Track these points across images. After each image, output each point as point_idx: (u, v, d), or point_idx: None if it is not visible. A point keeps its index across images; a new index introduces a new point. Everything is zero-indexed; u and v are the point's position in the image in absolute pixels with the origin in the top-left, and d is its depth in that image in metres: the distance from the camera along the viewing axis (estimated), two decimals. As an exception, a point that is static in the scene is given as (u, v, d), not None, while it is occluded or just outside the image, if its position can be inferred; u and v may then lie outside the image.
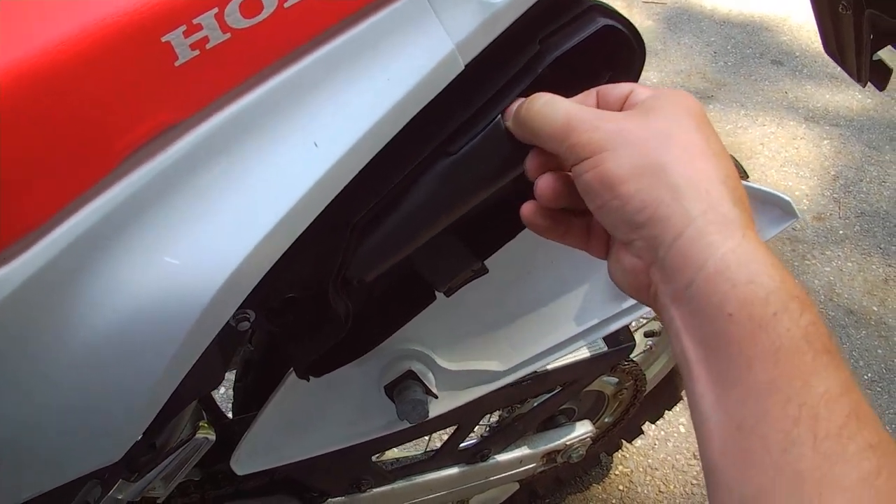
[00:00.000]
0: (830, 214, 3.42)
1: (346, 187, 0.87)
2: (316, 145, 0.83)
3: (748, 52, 4.56)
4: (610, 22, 0.94)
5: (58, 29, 0.71)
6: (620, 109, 0.85)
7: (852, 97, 4.16)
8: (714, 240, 0.72)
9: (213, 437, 1.17)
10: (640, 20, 4.70)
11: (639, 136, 0.77)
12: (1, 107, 0.69)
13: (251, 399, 1.57)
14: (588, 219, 0.91)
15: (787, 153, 3.76)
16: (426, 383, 1.30)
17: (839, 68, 1.27)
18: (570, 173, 0.82)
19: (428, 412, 1.30)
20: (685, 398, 2.22)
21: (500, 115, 0.92)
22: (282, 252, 0.87)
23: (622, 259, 0.81)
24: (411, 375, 1.29)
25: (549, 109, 0.82)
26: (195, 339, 0.88)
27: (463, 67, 0.88)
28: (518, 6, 0.88)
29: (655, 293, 0.78)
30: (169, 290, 0.83)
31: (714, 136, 0.79)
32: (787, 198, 1.30)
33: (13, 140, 0.71)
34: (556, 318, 1.41)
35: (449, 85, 0.88)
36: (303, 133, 0.83)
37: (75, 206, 0.77)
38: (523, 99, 0.86)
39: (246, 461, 1.29)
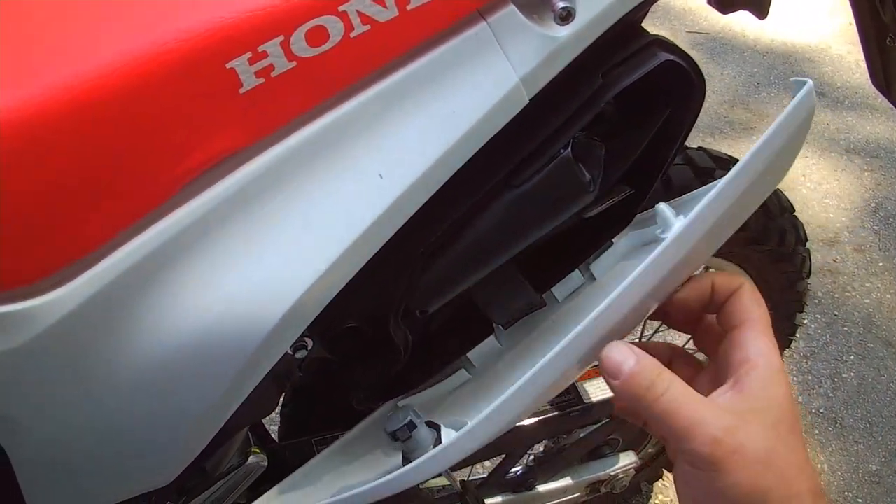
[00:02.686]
0: (870, 246, 3.39)
1: (410, 218, 0.87)
2: (381, 177, 0.83)
3: (790, 82, 4.54)
4: (671, 57, 0.94)
5: (120, 51, 0.71)
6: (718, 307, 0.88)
7: (893, 128, 4.13)
8: None
9: (265, 462, 1.16)
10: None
11: (753, 458, 0.78)
12: (61, 127, 0.70)
13: (298, 424, 1.56)
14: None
15: (829, 185, 3.73)
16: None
17: (880, 99, 1.28)
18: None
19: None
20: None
21: (564, 149, 0.91)
22: (345, 283, 0.87)
23: None
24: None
25: (666, 409, 0.81)
26: (254, 367, 0.88)
27: (527, 101, 0.87)
28: (582, 40, 0.88)
29: None
30: (231, 318, 0.83)
31: (798, 445, 0.82)
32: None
33: (73, 161, 0.72)
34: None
35: (513, 117, 0.88)
36: (368, 164, 0.83)
37: (136, 229, 0.77)
38: (630, 358, 0.81)
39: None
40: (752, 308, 0.86)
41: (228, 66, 0.73)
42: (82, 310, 0.77)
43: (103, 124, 0.71)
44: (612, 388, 0.83)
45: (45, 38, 0.76)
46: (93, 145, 0.72)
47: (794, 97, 0.86)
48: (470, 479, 1.86)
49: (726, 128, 4.09)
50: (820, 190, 3.70)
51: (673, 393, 0.80)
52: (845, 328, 3.03)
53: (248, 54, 0.73)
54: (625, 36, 0.93)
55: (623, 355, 0.81)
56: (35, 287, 0.76)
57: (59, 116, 0.69)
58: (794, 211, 1.71)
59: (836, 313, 3.08)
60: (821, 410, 2.73)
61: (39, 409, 0.84)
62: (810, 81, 0.86)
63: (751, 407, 0.81)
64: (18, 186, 0.70)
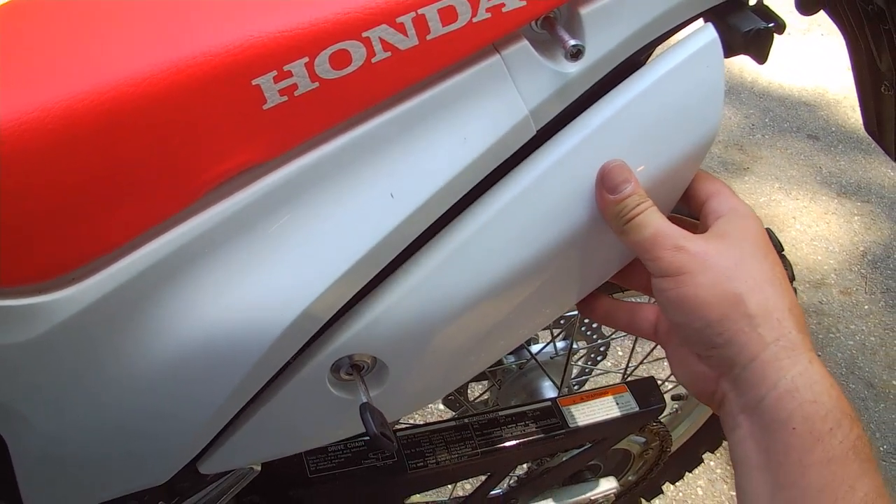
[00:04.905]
0: (857, 289, 3.42)
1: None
2: (392, 197, 0.86)
3: (785, 125, 4.55)
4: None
5: (152, 61, 0.74)
6: (699, 211, 0.96)
7: (884, 174, 4.16)
8: (785, 364, 0.83)
9: (258, 467, 1.17)
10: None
11: (717, 264, 0.86)
12: (88, 129, 0.72)
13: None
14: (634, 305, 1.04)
15: (819, 228, 3.76)
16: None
17: (873, 145, 1.30)
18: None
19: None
20: (706, 462, 2.23)
21: None
22: (350, 297, 0.90)
23: (690, 364, 0.92)
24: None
25: (640, 221, 0.88)
26: (257, 374, 0.91)
27: (535, 132, 0.91)
28: (590, 77, 0.92)
29: (722, 400, 0.89)
30: (237, 326, 0.86)
31: (777, 264, 0.89)
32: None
33: (97, 163, 0.74)
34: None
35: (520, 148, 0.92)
36: (380, 184, 0.86)
37: (154, 233, 0.80)
38: (630, 182, 0.90)
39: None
40: (718, 186, 0.97)
41: (254, 82, 0.76)
42: (96, 308, 0.79)
43: (130, 129, 0.74)
44: (600, 197, 0.91)
45: (82, 44, 0.79)
46: (118, 149, 0.74)
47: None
48: (452, 497, 1.88)
49: (720, 168, 4.12)
50: (810, 232, 3.73)
51: (649, 212, 0.88)
52: (828, 369, 3.04)
53: (274, 72, 0.76)
54: (630, 73, 0.95)
55: (625, 176, 0.89)
56: (52, 283, 0.78)
57: (86, 119, 0.71)
58: (784, 250, 1.74)
59: (820, 354, 3.08)
60: (800, 449, 2.74)
61: (45, 403, 0.86)
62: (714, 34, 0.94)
63: (715, 232, 0.90)
64: (42, 183, 0.72)
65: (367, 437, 0.90)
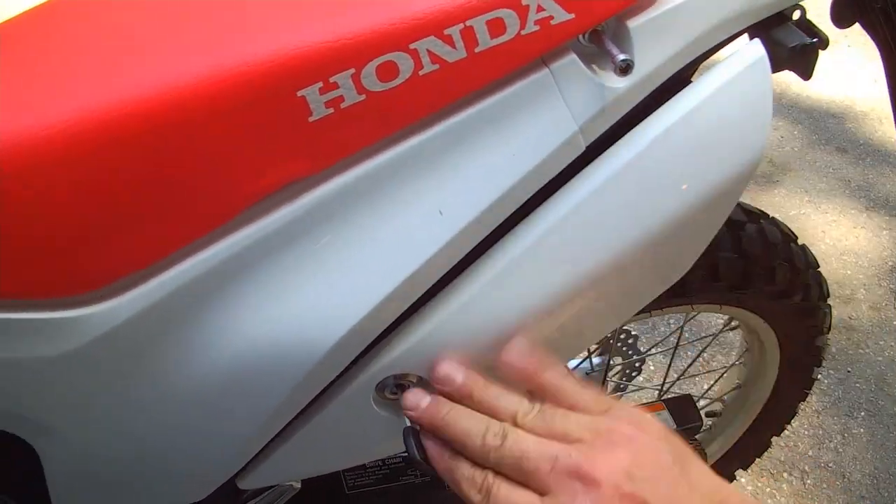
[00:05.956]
0: (886, 305, 3.39)
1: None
2: (441, 213, 0.85)
3: (814, 138, 4.52)
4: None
5: (195, 72, 0.73)
6: None
7: (913, 188, 4.15)
8: None
9: (298, 485, 1.17)
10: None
11: None
12: (128, 140, 0.71)
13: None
14: None
15: (848, 242, 3.73)
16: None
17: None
18: None
19: None
20: (738, 479, 2.21)
21: None
22: (397, 316, 0.89)
23: None
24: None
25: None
26: (301, 393, 0.90)
27: (584, 148, 0.89)
28: (638, 93, 0.91)
29: None
30: (283, 343, 0.85)
31: None
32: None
33: (137, 175, 0.73)
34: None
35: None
36: (428, 200, 0.85)
37: (195, 247, 0.79)
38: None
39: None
40: None
41: (300, 94, 0.74)
42: (134, 322, 0.79)
43: (173, 142, 0.73)
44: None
45: (122, 50, 0.78)
46: (160, 161, 0.73)
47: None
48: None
49: (750, 181, 4.09)
50: (839, 247, 3.70)
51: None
52: (857, 384, 3.03)
53: (320, 84, 0.75)
54: (677, 89, 0.94)
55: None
56: (87, 296, 0.77)
57: (122, 130, 0.70)
58: (819, 267, 1.73)
59: (850, 370, 3.08)
60: (830, 465, 2.73)
61: (80, 418, 0.85)
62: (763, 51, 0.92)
63: None
64: (81, 196, 0.72)
65: (406, 454, 0.88)
